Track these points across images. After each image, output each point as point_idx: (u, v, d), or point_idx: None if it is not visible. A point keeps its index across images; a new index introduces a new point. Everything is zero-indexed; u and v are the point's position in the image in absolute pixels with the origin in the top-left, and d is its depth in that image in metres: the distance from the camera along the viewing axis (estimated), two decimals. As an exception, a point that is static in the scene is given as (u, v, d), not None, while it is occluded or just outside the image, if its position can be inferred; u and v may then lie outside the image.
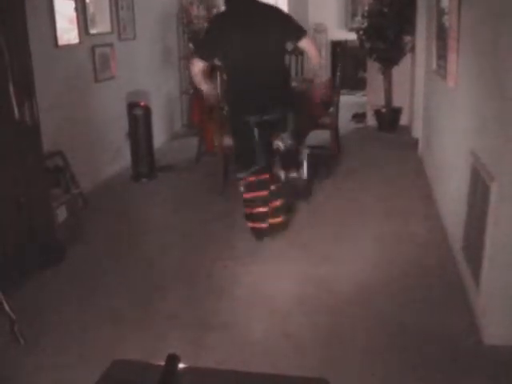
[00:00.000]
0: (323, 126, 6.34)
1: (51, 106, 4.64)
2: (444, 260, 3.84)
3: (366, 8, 7.59)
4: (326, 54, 9.75)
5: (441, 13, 4.67)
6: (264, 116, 3.98)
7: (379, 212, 4.77)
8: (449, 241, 4.05)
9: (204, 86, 4.15)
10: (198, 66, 4.01)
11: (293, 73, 8.18)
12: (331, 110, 6.33)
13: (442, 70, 4.54)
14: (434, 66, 4.99)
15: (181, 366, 1.46)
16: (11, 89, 3.49)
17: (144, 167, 5.91)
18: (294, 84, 6.40)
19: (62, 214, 4.28)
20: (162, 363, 1.45)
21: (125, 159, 6.08)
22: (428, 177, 5.47)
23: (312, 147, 6.57)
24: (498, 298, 2.86)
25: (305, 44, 4.05)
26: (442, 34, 4.60)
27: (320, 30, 10.23)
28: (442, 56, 4.56)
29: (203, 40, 4.23)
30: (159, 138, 6.92)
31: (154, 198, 5.44)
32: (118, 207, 5.19)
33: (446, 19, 4.40)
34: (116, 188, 5.71)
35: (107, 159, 5.95)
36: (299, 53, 8.23)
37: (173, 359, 1.35)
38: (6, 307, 3.13)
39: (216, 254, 4.07)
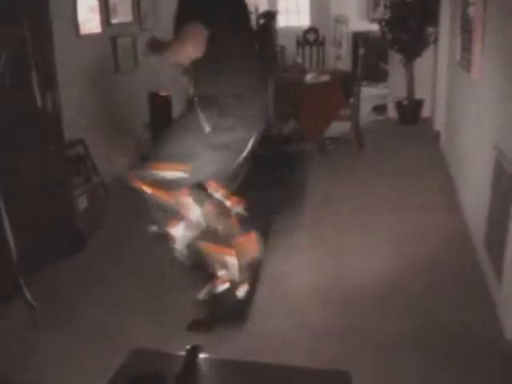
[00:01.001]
0: (344, 118, 6.31)
1: (73, 95, 4.66)
2: (465, 254, 3.79)
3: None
4: (347, 45, 9.67)
5: (466, 4, 4.60)
6: None
7: (400, 205, 4.73)
8: (471, 235, 4.01)
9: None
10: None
11: (314, 64, 8.15)
12: (352, 101, 6.29)
13: (465, 62, 4.48)
14: (458, 58, 4.93)
15: (201, 356, 1.46)
16: (34, 77, 3.51)
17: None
18: (313, 75, 6.39)
19: (82, 202, 4.30)
20: (182, 353, 1.46)
21: (146, 149, 6.09)
22: (450, 170, 5.41)
23: (332, 139, 6.57)
24: (521, 293, 2.83)
25: None
26: (466, 26, 4.54)
27: (341, 21, 10.15)
28: (466, 48, 4.50)
29: None
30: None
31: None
32: (139, 197, 5.19)
33: (470, 10, 4.34)
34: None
35: (128, 149, 5.97)
36: (320, 43, 8.21)
37: (195, 349, 1.35)
38: (27, 294, 3.17)
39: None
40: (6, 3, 3.34)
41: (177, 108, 6.40)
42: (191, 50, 2.77)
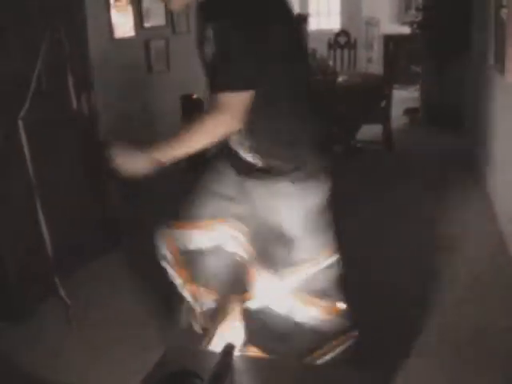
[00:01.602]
0: (375, 121, 6.29)
1: (107, 98, 4.72)
2: (501, 262, 3.76)
3: (421, 1, 7.47)
4: (378, 48, 9.64)
5: (498, 6, 4.56)
6: None
7: (434, 211, 4.68)
8: (506, 243, 3.95)
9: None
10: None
11: (345, 67, 8.14)
12: (383, 103, 6.27)
13: (499, 65, 4.43)
14: (491, 60, 4.88)
15: (235, 354, 1.48)
16: (70, 80, 3.57)
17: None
18: (345, 78, 6.38)
19: (118, 203, 4.35)
20: (217, 351, 1.48)
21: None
22: (484, 174, 5.34)
23: (363, 142, 6.55)
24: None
25: None
26: (499, 28, 4.49)
27: (373, 23, 10.12)
28: (499, 50, 4.45)
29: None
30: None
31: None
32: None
33: (503, 13, 4.29)
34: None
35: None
36: (352, 46, 8.20)
37: (230, 348, 1.38)
38: (62, 292, 3.23)
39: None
40: (42, 6, 3.42)
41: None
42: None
